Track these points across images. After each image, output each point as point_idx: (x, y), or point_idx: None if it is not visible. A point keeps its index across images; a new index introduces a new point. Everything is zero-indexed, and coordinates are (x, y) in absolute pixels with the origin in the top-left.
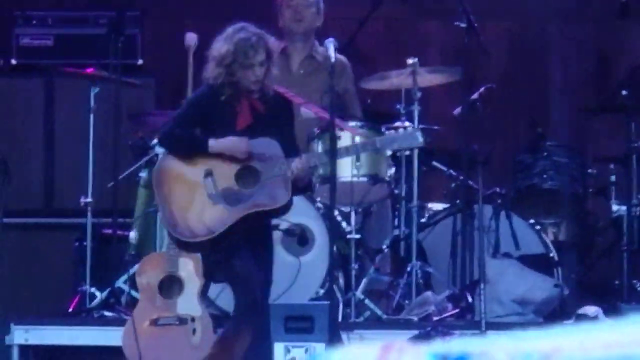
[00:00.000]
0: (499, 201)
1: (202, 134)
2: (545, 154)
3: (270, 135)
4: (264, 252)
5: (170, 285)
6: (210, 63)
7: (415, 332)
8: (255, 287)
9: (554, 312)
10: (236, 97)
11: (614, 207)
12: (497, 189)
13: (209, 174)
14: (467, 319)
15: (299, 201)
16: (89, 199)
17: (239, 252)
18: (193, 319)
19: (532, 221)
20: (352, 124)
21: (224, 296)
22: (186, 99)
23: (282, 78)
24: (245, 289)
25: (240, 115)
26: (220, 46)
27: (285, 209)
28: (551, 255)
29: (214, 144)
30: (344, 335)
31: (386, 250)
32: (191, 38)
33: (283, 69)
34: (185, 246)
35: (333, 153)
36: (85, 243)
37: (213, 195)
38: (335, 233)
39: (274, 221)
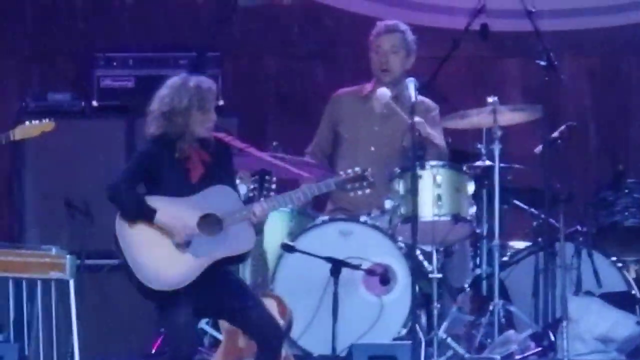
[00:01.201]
0: (581, 239)
1: (150, 190)
2: (627, 191)
3: (222, 181)
4: (227, 283)
5: None
6: (161, 117)
7: None
8: (180, 343)
9: (637, 350)
10: (186, 150)
11: None
12: (579, 227)
13: None
14: (550, 357)
15: (381, 241)
16: None
17: (179, 301)
18: None
19: (614, 259)
20: (432, 163)
21: (306, 336)
22: (134, 155)
23: (365, 119)
24: (172, 342)
25: (192, 168)
26: (175, 97)
27: (249, 252)
28: (633, 292)
29: (160, 217)
30: None
31: (468, 289)
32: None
33: (366, 110)
34: (152, 295)
35: (414, 192)
36: None
37: (180, 244)
38: (417, 272)
39: (356, 261)
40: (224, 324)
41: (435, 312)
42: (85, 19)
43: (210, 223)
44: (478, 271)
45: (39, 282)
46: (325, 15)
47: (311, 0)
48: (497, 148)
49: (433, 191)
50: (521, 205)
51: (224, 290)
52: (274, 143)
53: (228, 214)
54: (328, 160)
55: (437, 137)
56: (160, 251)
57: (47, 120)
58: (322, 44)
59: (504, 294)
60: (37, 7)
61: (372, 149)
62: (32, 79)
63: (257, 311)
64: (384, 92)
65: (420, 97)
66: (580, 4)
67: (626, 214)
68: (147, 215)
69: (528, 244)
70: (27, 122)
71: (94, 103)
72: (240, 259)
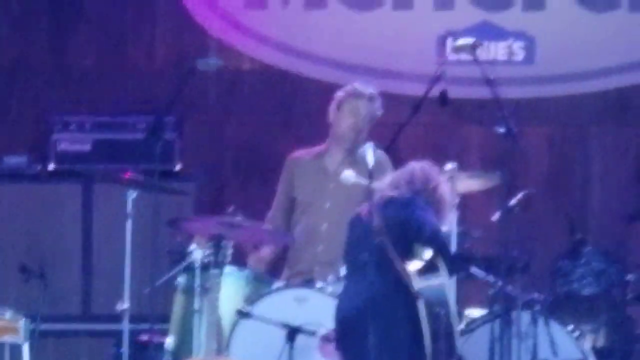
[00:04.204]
0: (538, 307)
1: None
2: (584, 260)
3: None
4: None
5: None
6: None
7: None
8: None
9: None
10: None
11: None
12: (536, 295)
13: None
14: None
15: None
16: (126, 305)
17: None
18: None
19: (570, 328)
20: None
21: None
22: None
23: (318, 178)
24: None
25: None
26: None
27: None
28: None
29: None
30: None
31: None
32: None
33: (320, 169)
34: None
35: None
36: (122, 349)
37: None
38: None
39: (312, 328)
40: None
41: None
42: (44, 81)
43: None
44: None
45: None
46: (285, 81)
47: (271, 65)
48: (454, 214)
49: None
50: (478, 272)
51: None
52: (230, 208)
53: None
54: (287, 226)
55: None
56: None
57: None
58: (281, 109)
59: None
60: None
61: (327, 205)
62: None
63: None
64: (349, 175)
65: (377, 155)
66: (541, 72)
67: (583, 282)
68: None
69: (484, 312)
70: None
71: (51, 166)
72: None
